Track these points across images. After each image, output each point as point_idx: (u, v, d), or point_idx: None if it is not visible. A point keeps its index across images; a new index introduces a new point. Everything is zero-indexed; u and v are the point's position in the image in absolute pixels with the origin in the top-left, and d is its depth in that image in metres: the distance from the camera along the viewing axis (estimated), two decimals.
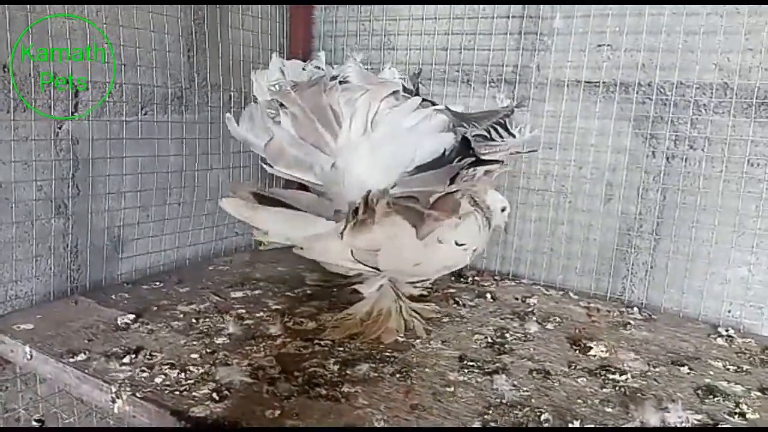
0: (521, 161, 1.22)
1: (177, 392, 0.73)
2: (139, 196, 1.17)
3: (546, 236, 1.23)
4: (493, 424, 0.70)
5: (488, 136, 0.88)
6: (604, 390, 0.79)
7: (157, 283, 1.11)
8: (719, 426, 0.72)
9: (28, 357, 0.84)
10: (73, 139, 1.06)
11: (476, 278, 1.22)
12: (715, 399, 0.77)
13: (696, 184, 1.08)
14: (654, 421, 0.70)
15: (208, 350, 0.84)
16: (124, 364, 0.79)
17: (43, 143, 1.01)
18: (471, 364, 0.84)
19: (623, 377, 0.82)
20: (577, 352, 0.90)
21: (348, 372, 0.79)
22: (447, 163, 0.86)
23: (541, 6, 1.18)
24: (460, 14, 1.27)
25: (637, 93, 1.12)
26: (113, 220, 1.14)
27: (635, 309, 1.08)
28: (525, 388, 0.78)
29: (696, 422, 0.72)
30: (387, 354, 0.86)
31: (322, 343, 0.88)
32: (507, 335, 0.94)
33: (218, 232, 1.33)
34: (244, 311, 0.99)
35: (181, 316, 0.96)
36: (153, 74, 1.15)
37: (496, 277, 1.24)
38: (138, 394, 0.72)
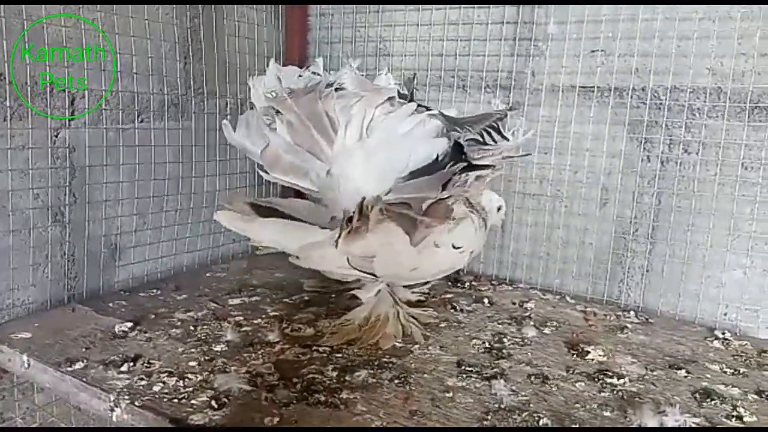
0: (517, 166, 1.23)
1: (175, 400, 0.73)
2: (136, 203, 1.17)
3: (542, 240, 1.24)
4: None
5: (481, 140, 0.89)
6: (603, 394, 0.79)
7: (155, 291, 1.11)
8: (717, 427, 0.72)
9: (26, 366, 0.84)
10: (69, 146, 1.06)
11: (473, 283, 1.22)
12: (713, 402, 0.78)
13: (691, 188, 1.09)
14: (652, 425, 0.71)
15: (207, 358, 0.84)
16: (122, 372, 0.79)
17: (39, 151, 1.01)
18: (469, 369, 0.84)
19: (621, 381, 0.82)
20: (575, 356, 0.90)
21: (347, 378, 0.80)
22: (440, 168, 0.86)
23: (535, 12, 1.19)
24: (454, 20, 1.27)
25: (631, 97, 1.12)
26: (110, 228, 1.14)
27: (632, 313, 1.09)
28: (523, 393, 0.78)
29: (694, 425, 0.72)
30: (385, 360, 0.86)
31: (320, 349, 0.88)
32: (505, 340, 0.95)
33: (215, 239, 1.33)
34: (242, 318, 0.99)
35: (179, 323, 0.96)
36: (149, 81, 1.16)
37: (493, 282, 1.24)
38: (136, 403, 0.72)
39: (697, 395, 0.79)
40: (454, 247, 0.92)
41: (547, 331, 0.99)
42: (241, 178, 1.38)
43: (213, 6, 1.25)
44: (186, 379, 0.77)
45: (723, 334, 1.00)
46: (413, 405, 0.74)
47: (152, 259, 1.22)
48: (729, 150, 1.05)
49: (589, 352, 0.90)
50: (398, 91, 0.94)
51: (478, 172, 0.89)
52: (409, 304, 1.03)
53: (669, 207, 1.11)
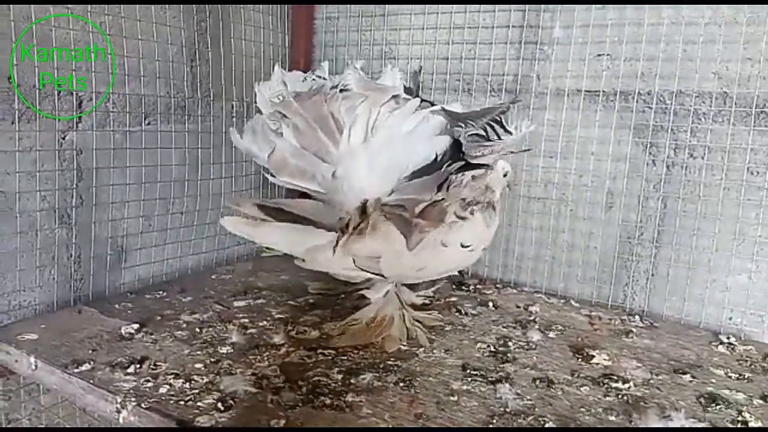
0: (522, 170, 1.23)
1: (182, 402, 0.73)
2: (142, 205, 1.17)
3: (547, 244, 1.24)
4: None
5: (485, 134, 0.88)
6: (608, 398, 0.79)
7: (160, 293, 1.11)
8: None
9: (33, 367, 0.85)
10: (76, 149, 1.06)
11: (478, 286, 1.22)
12: (718, 407, 0.78)
13: (696, 192, 1.09)
14: None
15: (212, 360, 0.84)
16: (129, 374, 0.80)
17: (47, 154, 1.02)
18: (474, 372, 0.84)
19: (626, 385, 0.82)
20: (580, 360, 0.90)
21: (352, 381, 0.80)
22: (438, 168, 0.86)
23: (541, 16, 1.19)
24: (460, 24, 1.28)
25: (636, 102, 1.12)
26: (116, 230, 1.14)
27: (637, 317, 1.09)
28: (528, 397, 0.78)
29: None
30: (390, 363, 0.86)
31: (325, 352, 0.88)
32: (509, 344, 0.95)
33: (220, 241, 1.34)
34: (247, 320, 0.99)
35: (185, 325, 0.96)
36: (156, 84, 1.16)
37: (497, 285, 1.24)
38: (143, 404, 0.72)
39: (702, 400, 0.79)
40: (462, 246, 0.92)
41: (551, 334, 0.99)
42: (247, 180, 1.38)
43: (220, 9, 1.26)
44: (192, 381, 0.78)
45: (728, 338, 1.00)
46: (418, 408, 0.74)
47: (158, 261, 1.22)
48: (734, 154, 1.05)
49: (594, 356, 0.90)
50: (404, 86, 0.94)
51: (473, 172, 0.88)
52: (414, 307, 1.03)
53: (674, 211, 1.11)
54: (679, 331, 1.04)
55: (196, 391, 0.76)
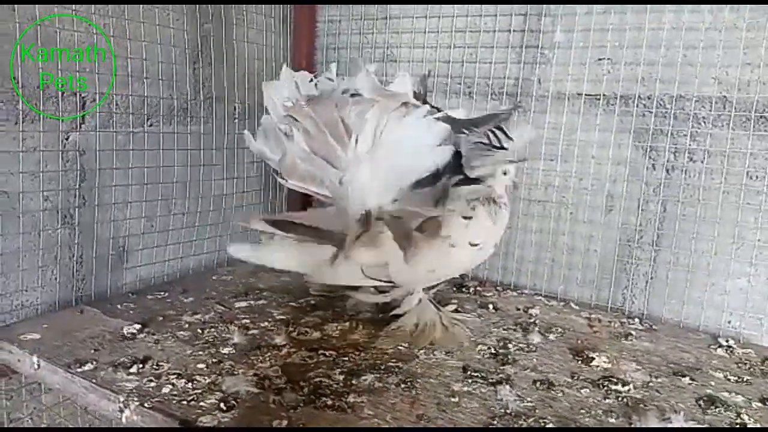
0: (522, 173, 1.23)
1: (184, 402, 0.73)
2: (144, 206, 1.18)
3: (547, 247, 1.24)
4: None
5: (487, 141, 0.89)
6: (607, 401, 0.79)
7: (162, 293, 1.11)
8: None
9: (36, 367, 0.85)
10: (79, 149, 1.07)
11: (478, 289, 1.23)
12: (717, 410, 0.78)
13: (696, 196, 1.09)
14: None
15: (214, 360, 0.85)
16: (132, 374, 0.80)
17: (50, 154, 1.02)
18: (475, 374, 0.84)
19: (626, 388, 0.83)
20: (580, 362, 0.91)
21: (353, 382, 0.80)
22: (439, 178, 0.87)
23: (542, 20, 1.20)
24: (462, 28, 1.28)
25: (637, 106, 1.13)
26: (118, 231, 1.15)
27: (636, 320, 1.09)
28: (529, 399, 0.79)
29: None
30: (391, 364, 0.86)
31: (327, 353, 0.88)
32: (510, 346, 0.95)
33: (221, 242, 1.34)
34: (248, 321, 0.99)
35: (187, 326, 0.97)
36: (159, 86, 1.17)
37: (497, 288, 1.24)
38: (146, 404, 0.73)
39: (701, 402, 0.80)
40: (471, 244, 0.92)
41: (551, 337, 1.00)
42: (248, 182, 1.39)
43: (222, 12, 1.27)
44: (194, 381, 0.78)
45: (727, 341, 1.01)
46: (419, 409, 0.75)
47: (159, 262, 1.23)
48: (734, 159, 1.06)
49: (593, 359, 0.91)
50: (414, 91, 0.95)
51: (469, 188, 0.89)
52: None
53: (674, 215, 1.12)
54: (678, 334, 1.05)
55: (199, 391, 0.76)
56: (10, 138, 0.97)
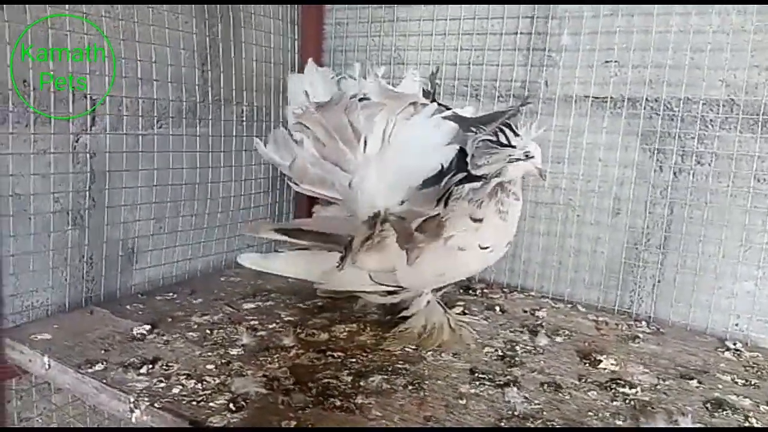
0: (528, 177, 1.23)
1: (194, 402, 0.74)
2: (153, 208, 1.18)
3: (554, 249, 1.24)
4: None
5: (496, 139, 0.88)
6: (615, 403, 0.80)
7: (171, 294, 1.12)
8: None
9: (47, 367, 0.86)
10: (90, 152, 1.08)
11: (485, 291, 1.23)
12: (725, 413, 0.78)
13: (703, 199, 1.09)
14: None
15: (223, 361, 0.85)
16: (142, 374, 0.81)
17: (60, 156, 1.03)
18: (482, 376, 0.85)
19: (633, 390, 0.83)
20: (587, 365, 0.91)
21: (361, 384, 0.81)
22: (443, 177, 0.87)
23: (549, 23, 1.20)
24: (469, 30, 1.29)
25: (644, 108, 1.13)
26: (128, 232, 1.16)
27: (643, 322, 1.09)
28: (536, 401, 0.79)
29: None
30: (399, 366, 0.87)
31: (335, 354, 0.89)
32: (517, 348, 0.95)
33: (229, 243, 1.35)
34: (257, 322, 1.00)
35: (196, 327, 0.98)
36: (168, 88, 1.17)
37: (504, 290, 1.25)
38: (156, 404, 0.74)
39: (708, 405, 0.80)
40: (481, 247, 0.91)
41: (559, 339, 1.00)
42: (256, 184, 1.39)
43: (231, 15, 1.27)
44: (204, 382, 0.79)
45: (734, 344, 1.01)
46: (427, 411, 0.75)
47: (168, 263, 1.24)
48: (741, 162, 1.06)
49: (601, 361, 0.91)
50: (423, 89, 0.95)
51: (471, 185, 0.88)
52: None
53: (681, 218, 1.12)
54: (685, 337, 1.05)
55: (208, 391, 0.77)
56: (21, 140, 0.98)
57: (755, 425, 0.75)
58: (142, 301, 1.09)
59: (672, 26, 1.09)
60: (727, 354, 0.98)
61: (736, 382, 0.88)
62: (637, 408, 0.78)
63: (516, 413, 0.75)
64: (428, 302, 0.98)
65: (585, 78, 1.18)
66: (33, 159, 0.99)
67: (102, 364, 0.83)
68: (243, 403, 0.74)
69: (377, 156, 0.91)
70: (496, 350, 0.94)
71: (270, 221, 1.41)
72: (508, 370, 0.88)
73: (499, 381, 0.84)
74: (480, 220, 0.89)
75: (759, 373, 0.91)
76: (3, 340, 0.92)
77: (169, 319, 1.00)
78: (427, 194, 0.87)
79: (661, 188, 1.13)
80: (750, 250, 1.06)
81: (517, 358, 0.92)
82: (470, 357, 0.92)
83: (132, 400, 0.75)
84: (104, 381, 0.79)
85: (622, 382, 0.84)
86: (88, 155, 1.07)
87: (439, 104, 0.95)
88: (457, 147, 0.89)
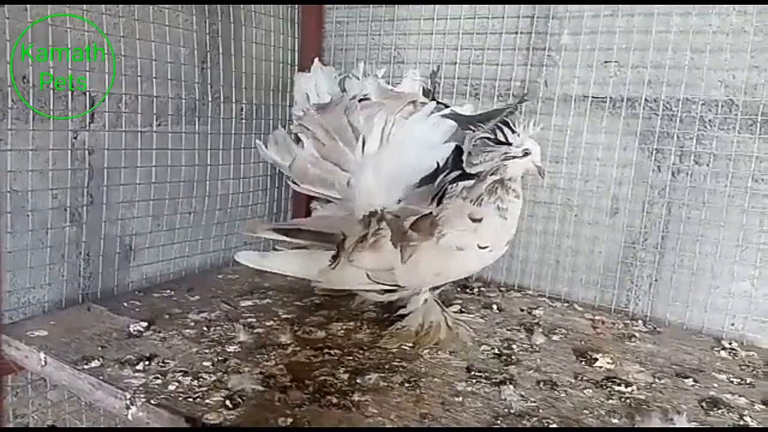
0: (527, 174, 1.23)
1: (190, 399, 0.74)
2: (151, 205, 1.18)
3: (551, 248, 1.24)
4: None
5: (494, 136, 0.88)
6: (610, 401, 0.80)
7: (168, 291, 1.12)
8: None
9: (43, 363, 0.86)
10: (88, 148, 1.08)
11: (482, 289, 1.23)
12: (720, 411, 0.78)
13: (701, 199, 1.09)
14: None
15: (220, 358, 0.85)
16: (138, 371, 0.81)
17: (59, 153, 1.03)
18: (479, 374, 0.85)
19: (629, 389, 0.83)
20: (583, 363, 0.91)
21: (358, 381, 0.81)
22: (440, 175, 0.88)
23: (549, 23, 1.20)
24: (469, 30, 1.29)
25: (643, 108, 1.13)
26: (125, 229, 1.16)
27: (640, 321, 1.10)
28: (532, 399, 0.79)
29: None
30: (396, 363, 0.87)
31: (331, 352, 0.89)
32: (513, 346, 0.95)
33: (227, 241, 1.35)
34: (254, 320, 1.00)
35: (193, 324, 0.98)
36: (168, 86, 1.17)
37: (501, 288, 1.25)
38: (152, 401, 0.74)
39: (704, 404, 0.80)
40: (480, 247, 0.91)
41: (555, 338, 1.00)
42: (254, 182, 1.39)
43: (231, 13, 1.27)
44: (200, 379, 0.79)
45: (730, 344, 1.01)
46: (424, 408, 0.75)
47: (166, 260, 1.24)
48: (740, 162, 1.06)
49: (597, 360, 0.91)
50: (423, 88, 0.95)
51: (464, 183, 0.88)
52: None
53: (679, 217, 1.12)
54: (681, 336, 1.05)
55: (205, 388, 0.77)
56: (20, 136, 0.98)
57: (750, 424, 0.76)
58: (139, 298, 1.09)
59: (672, 26, 1.09)
60: (722, 353, 0.98)
61: (732, 381, 0.88)
62: (633, 406, 0.78)
63: (512, 411, 0.76)
64: (426, 300, 0.98)
65: (584, 78, 1.18)
66: (31, 155, 0.99)
67: (98, 360, 0.83)
68: (239, 400, 0.74)
69: (375, 155, 0.91)
70: (493, 348, 0.94)
71: (267, 220, 1.41)
72: (505, 368, 0.88)
73: (496, 379, 0.84)
74: (479, 220, 0.89)
75: (754, 372, 0.92)
76: (0, 337, 0.92)
77: (166, 316, 1.00)
78: (422, 192, 0.87)
79: (659, 188, 1.14)
80: (747, 250, 1.06)
81: (513, 357, 0.92)
82: (467, 355, 0.92)
83: (128, 396, 0.75)
84: (101, 378, 0.79)
85: (618, 381, 0.85)
86: (86, 152, 1.07)
87: (438, 103, 0.95)
88: (454, 145, 0.89)
